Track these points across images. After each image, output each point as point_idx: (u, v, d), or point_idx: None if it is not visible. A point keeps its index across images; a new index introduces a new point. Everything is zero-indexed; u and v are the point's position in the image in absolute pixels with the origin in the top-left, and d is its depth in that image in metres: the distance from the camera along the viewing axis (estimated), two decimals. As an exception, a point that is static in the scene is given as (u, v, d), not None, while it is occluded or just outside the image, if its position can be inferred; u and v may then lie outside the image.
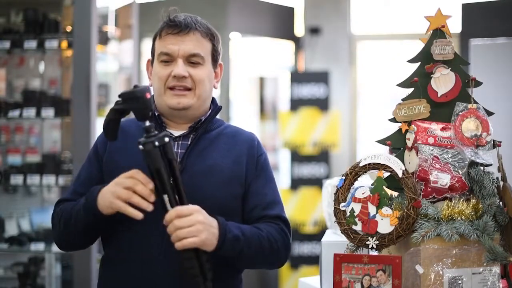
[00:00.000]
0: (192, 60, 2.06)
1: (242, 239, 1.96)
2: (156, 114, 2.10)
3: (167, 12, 2.10)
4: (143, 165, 1.87)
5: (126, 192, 1.85)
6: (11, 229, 4.43)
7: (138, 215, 1.85)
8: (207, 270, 1.85)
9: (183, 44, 2.05)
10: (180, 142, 2.08)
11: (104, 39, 4.55)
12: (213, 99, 2.18)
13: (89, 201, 1.93)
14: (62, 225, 2.02)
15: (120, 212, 1.88)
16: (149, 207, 1.85)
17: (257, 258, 2.02)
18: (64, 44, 4.23)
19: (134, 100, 1.85)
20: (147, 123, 1.85)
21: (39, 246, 4.22)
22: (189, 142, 2.07)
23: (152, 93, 1.92)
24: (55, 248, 4.18)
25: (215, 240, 1.89)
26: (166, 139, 1.85)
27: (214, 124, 2.14)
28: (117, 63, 5.05)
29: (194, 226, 1.84)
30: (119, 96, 1.88)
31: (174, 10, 2.11)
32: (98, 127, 4.13)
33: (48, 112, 4.18)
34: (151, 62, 2.14)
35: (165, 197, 1.84)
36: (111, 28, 4.83)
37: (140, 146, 1.83)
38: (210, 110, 2.14)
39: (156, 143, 1.83)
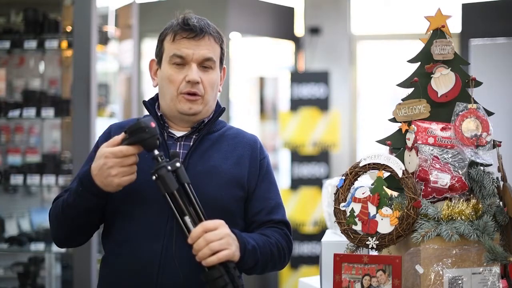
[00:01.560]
0: (205, 64, 2.06)
1: (258, 249, 1.98)
2: (159, 114, 2.10)
3: (183, 15, 2.08)
4: (145, 168, 1.88)
5: (128, 168, 1.86)
6: (11, 229, 4.43)
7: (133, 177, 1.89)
8: (237, 277, 1.84)
9: (197, 49, 2.05)
10: (182, 142, 2.08)
11: (104, 39, 4.55)
12: (217, 101, 2.18)
13: (87, 185, 1.91)
14: (61, 219, 2.00)
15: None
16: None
17: (268, 265, 2.05)
18: (64, 44, 4.23)
19: (141, 131, 1.84)
20: (156, 152, 1.85)
21: (39, 246, 4.22)
22: (191, 143, 2.08)
23: (155, 122, 1.91)
24: (55, 248, 4.18)
25: (239, 252, 1.90)
26: (178, 164, 1.86)
27: (217, 125, 2.15)
28: (117, 63, 5.05)
29: (224, 238, 1.85)
30: (125, 132, 1.87)
31: (188, 13, 2.10)
32: (98, 127, 4.13)
33: (48, 112, 4.19)
34: (157, 63, 2.13)
35: (187, 218, 1.84)
36: (111, 28, 4.84)
37: (154, 177, 1.84)
38: (213, 112, 2.15)
39: (169, 167, 1.84)
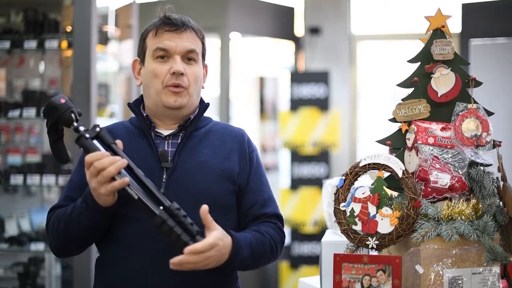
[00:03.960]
0: (188, 56, 2.07)
1: (249, 258, 2.00)
2: (145, 114, 2.11)
3: (164, 10, 2.10)
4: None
5: (100, 177, 1.84)
6: (11, 229, 4.43)
7: (124, 180, 1.85)
8: (190, 225, 1.83)
9: (180, 41, 2.06)
10: (170, 141, 2.09)
11: (104, 39, 4.55)
12: (201, 98, 2.19)
13: (90, 203, 1.92)
14: (63, 232, 2.00)
15: (114, 191, 1.87)
16: (124, 163, 1.86)
17: (260, 262, 2.08)
18: (64, 44, 4.23)
19: (53, 109, 1.89)
20: (75, 124, 1.89)
21: (39, 246, 4.22)
22: (179, 141, 2.08)
23: (67, 98, 1.92)
24: (54, 248, 4.18)
25: (223, 260, 1.92)
26: (98, 129, 1.90)
27: (203, 121, 2.15)
28: (117, 63, 5.05)
29: (216, 260, 1.88)
30: (43, 117, 1.93)
31: (169, 9, 2.11)
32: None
33: (48, 112, 4.17)
34: (140, 61, 2.13)
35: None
36: (111, 28, 4.84)
37: (81, 149, 1.88)
38: (197, 108, 2.15)
39: (87, 135, 1.88)
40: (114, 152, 1.89)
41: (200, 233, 1.84)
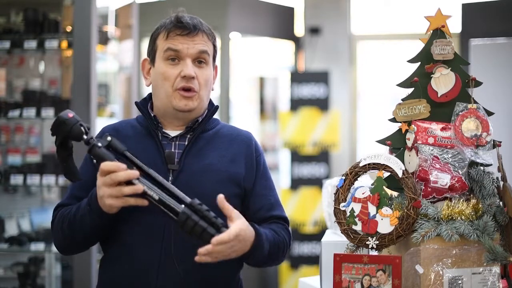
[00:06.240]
0: (199, 59, 2.06)
1: (268, 253, 2.00)
2: (152, 115, 2.10)
3: (176, 13, 2.08)
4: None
5: (114, 188, 1.84)
6: (11, 229, 4.43)
7: (143, 202, 1.85)
8: (214, 218, 1.83)
9: (192, 44, 2.05)
10: (177, 142, 2.08)
11: (104, 39, 4.55)
12: (210, 100, 2.18)
13: (93, 206, 1.92)
14: (67, 231, 2.01)
15: (126, 206, 1.88)
16: (140, 187, 1.84)
17: (271, 261, 2.08)
18: (64, 44, 4.23)
19: (62, 125, 1.88)
20: (85, 137, 1.88)
21: (39, 246, 4.22)
22: (186, 143, 2.08)
23: (74, 113, 1.91)
24: (55, 248, 4.17)
25: (245, 250, 1.91)
26: (109, 138, 1.89)
27: (211, 123, 2.14)
28: (117, 63, 5.05)
29: (242, 249, 1.88)
30: (52, 134, 1.92)
31: (182, 11, 2.10)
32: (97, 127, 4.13)
33: (48, 112, 4.18)
34: (150, 61, 2.12)
35: (135, 181, 1.86)
36: (111, 28, 4.84)
37: (94, 161, 1.88)
38: (206, 110, 2.14)
39: (99, 144, 1.87)
40: (127, 159, 1.88)
41: (224, 225, 1.84)
